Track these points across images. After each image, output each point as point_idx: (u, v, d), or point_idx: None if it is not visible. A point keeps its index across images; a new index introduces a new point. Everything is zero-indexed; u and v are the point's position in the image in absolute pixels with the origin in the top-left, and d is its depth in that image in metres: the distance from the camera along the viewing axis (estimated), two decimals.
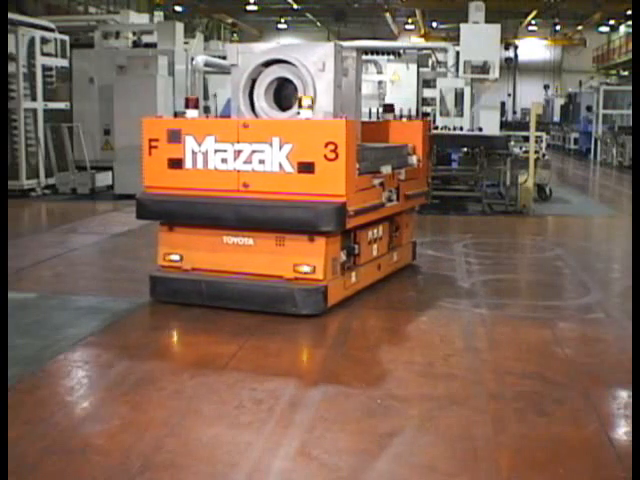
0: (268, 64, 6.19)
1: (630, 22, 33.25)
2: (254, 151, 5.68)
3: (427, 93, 17.43)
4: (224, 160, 5.77)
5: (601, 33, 41.05)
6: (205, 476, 3.29)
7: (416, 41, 35.14)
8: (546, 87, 43.37)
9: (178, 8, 34.53)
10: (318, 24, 42.07)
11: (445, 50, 16.25)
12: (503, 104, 30.66)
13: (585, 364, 4.82)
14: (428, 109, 16.89)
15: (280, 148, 5.60)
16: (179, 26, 14.94)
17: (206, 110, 14.70)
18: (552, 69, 47.80)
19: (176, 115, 10.26)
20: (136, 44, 15.15)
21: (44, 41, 13.48)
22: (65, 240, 9.17)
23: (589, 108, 26.79)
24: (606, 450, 3.56)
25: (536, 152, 11.88)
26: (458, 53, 14.31)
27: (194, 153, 5.84)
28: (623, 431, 3.78)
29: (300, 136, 5.60)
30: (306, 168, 5.55)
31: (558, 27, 39.63)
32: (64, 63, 14.04)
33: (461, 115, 14.39)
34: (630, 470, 3.14)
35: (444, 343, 5.22)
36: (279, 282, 5.68)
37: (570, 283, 7.34)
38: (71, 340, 5.10)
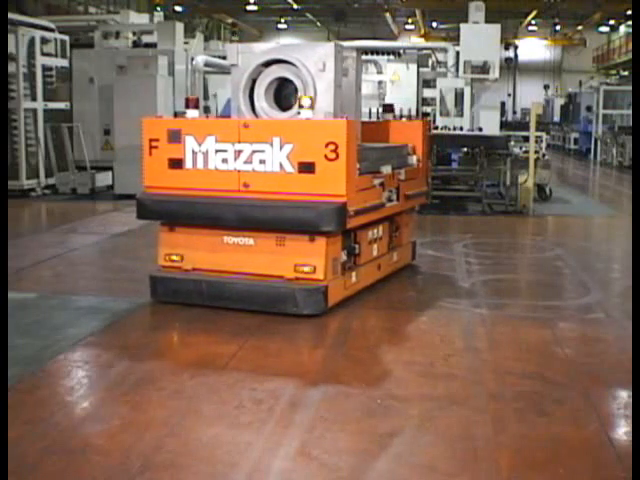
0: (268, 64, 6.19)
1: (630, 22, 33.25)
2: (255, 151, 5.68)
3: (427, 93, 17.43)
4: (225, 160, 5.77)
5: (601, 33, 41.04)
6: (205, 476, 3.30)
7: (416, 41, 35.14)
8: (546, 87, 43.36)
9: (178, 8, 34.52)
10: (318, 24, 42.07)
11: (445, 50, 16.26)
12: (503, 104, 30.65)
13: (585, 364, 4.82)
14: (428, 109, 16.89)
15: (281, 148, 5.60)
16: (179, 26, 14.94)
17: (206, 110, 14.71)
18: (552, 69, 47.80)
19: (176, 115, 10.26)
20: (136, 44, 15.15)
21: (44, 41, 13.48)
22: (65, 240, 9.17)
23: (589, 108, 26.78)
24: (606, 450, 3.56)
25: (536, 152, 11.88)
26: (458, 53, 14.32)
27: (194, 153, 5.84)
28: (623, 431, 3.78)
29: (301, 136, 5.60)
30: (307, 168, 5.55)
31: (558, 27, 39.61)
32: (64, 63, 14.04)
33: (461, 115, 14.39)
34: (630, 470, 3.14)
35: (444, 343, 5.22)
36: (280, 282, 5.68)
37: (570, 283, 7.34)
38: (71, 340, 5.10)
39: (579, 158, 27.08)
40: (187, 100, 6.23)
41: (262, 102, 6.20)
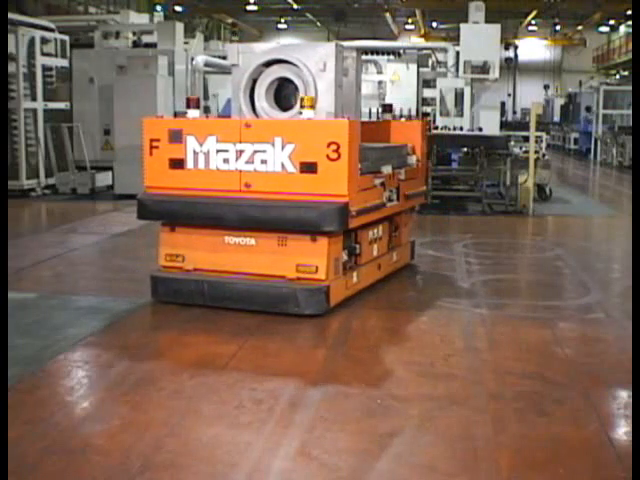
0: (269, 64, 6.19)
1: (630, 22, 33.25)
2: (256, 151, 5.68)
3: (427, 93, 17.43)
4: (226, 160, 5.77)
5: (601, 33, 41.05)
6: (205, 476, 3.30)
7: (416, 41, 35.14)
8: (546, 87, 43.37)
9: (178, 8, 34.52)
10: (318, 24, 42.07)
11: (445, 50, 16.26)
12: (503, 104, 30.65)
13: (585, 364, 4.82)
14: (428, 109, 16.90)
15: (282, 148, 5.60)
16: (179, 26, 14.94)
17: (206, 110, 14.70)
18: (552, 69, 47.80)
19: (176, 115, 10.26)
20: (136, 44, 15.15)
21: (44, 41, 13.48)
22: (65, 240, 9.17)
23: (588, 109, 26.79)
24: (606, 450, 3.56)
25: (536, 152, 11.88)
26: (458, 53, 14.33)
27: (195, 153, 5.84)
28: (623, 431, 3.78)
29: (302, 136, 5.60)
30: (308, 168, 5.55)
31: (558, 27, 39.63)
32: (64, 63, 14.04)
33: (461, 115, 14.39)
34: (630, 470, 3.14)
35: (444, 343, 5.22)
36: (281, 282, 5.67)
37: (570, 283, 7.34)
38: (71, 340, 5.10)
39: (579, 158, 27.09)
40: (188, 100, 6.23)
41: (263, 102, 6.20)
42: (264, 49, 6.35)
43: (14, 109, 12.77)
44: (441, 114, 14.71)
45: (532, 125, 11.77)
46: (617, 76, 38.08)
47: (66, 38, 14.19)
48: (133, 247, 8.69)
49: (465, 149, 12.29)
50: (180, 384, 4.32)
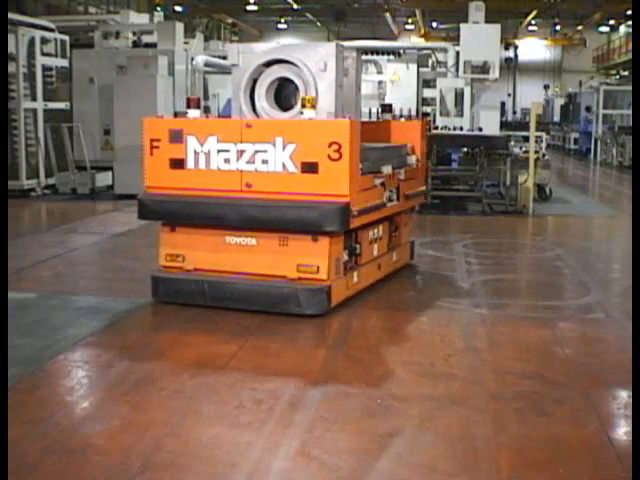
0: (269, 64, 6.19)
1: (630, 22, 33.25)
2: (257, 151, 5.67)
3: (427, 93, 17.44)
4: (227, 160, 5.76)
5: (601, 33, 41.05)
6: (205, 476, 3.30)
7: (416, 41, 35.14)
8: (546, 87, 43.38)
9: (178, 8, 34.52)
10: (318, 24, 42.07)
11: (445, 50, 16.27)
12: (503, 104, 30.66)
13: (585, 364, 4.82)
14: (428, 109, 16.90)
15: (283, 148, 5.60)
16: (179, 26, 14.94)
17: (206, 110, 14.71)
18: (552, 69, 47.81)
19: (176, 115, 10.26)
20: (136, 44, 15.15)
21: (44, 41, 13.48)
22: (65, 240, 9.17)
23: (588, 109, 26.79)
24: (606, 450, 3.56)
25: (536, 152, 11.88)
26: (458, 53, 14.33)
27: (196, 153, 5.84)
28: (623, 431, 3.78)
29: (304, 136, 5.59)
30: (310, 168, 5.55)
31: (558, 27, 39.62)
32: (64, 63, 14.04)
33: (461, 115, 14.40)
34: (630, 470, 3.14)
35: (444, 343, 5.22)
36: (282, 282, 5.67)
37: (570, 283, 7.34)
38: (71, 340, 5.10)
39: (579, 158, 27.09)
40: (188, 100, 6.23)
41: (263, 102, 6.20)
42: (264, 49, 6.35)
43: (14, 109, 12.77)
44: (441, 114, 14.71)
45: (532, 125, 11.77)
46: (617, 76, 38.07)
47: (66, 38, 14.19)
48: (133, 247, 8.68)
49: (465, 149, 12.29)
50: (180, 384, 4.32)
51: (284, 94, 6.27)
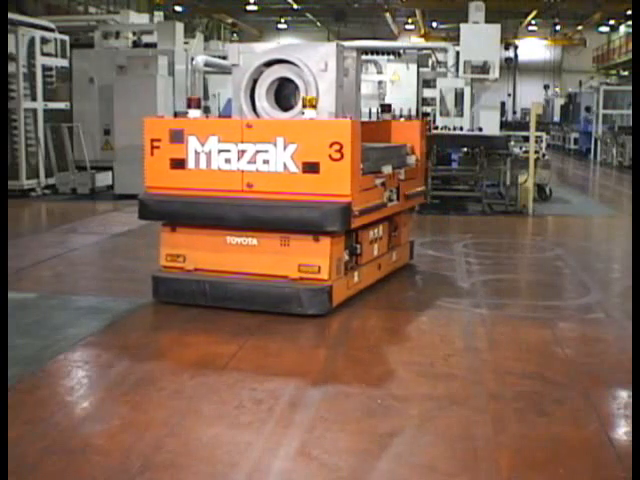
0: (270, 64, 6.19)
1: (630, 22, 33.24)
2: (258, 151, 5.67)
3: (427, 93, 17.44)
4: (228, 160, 5.76)
5: (601, 33, 41.04)
6: (205, 476, 3.30)
7: (416, 41, 35.14)
8: (546, 87, 43.36)
9: (178, 8, 34.52)
10: (318, 24, 42.07)
11: (445, 50, 16.27)
12: (503, 104, 30.65)
13: (585, 364, 4.82)
14: (428, 109, 16.91)
15: (284, 148, 5.60)
16: (179, 26, 14.94)
17: (206, 110, 14.70)
18: (552, 69, 47.79)
19: (176, 115, 10.26)
20: (136, 44, 15.15)
21: (44, 41, 13.48)
22: (65, 240, 9.17)
23: (588, 109, 26.79)
24: (606, 450, 3.56)
25: (536, 152, 11.89)
26: (458, 53, 14.33)
27: (197, 153, 5.84)
28: (623, 431, 3.78)
29: (305, 136, 5.59)
30: (311, 168, 5.55)
31: (558, 27, 39.61)
32: (64, 63, 14.04)
33: (461, 115, 14.40)
34: (630, 470, 3.14)
35: (444, 343, 5.22)
36: (284, 282, 5.67)
37: (570, 283, 7.34)
38: (71, 340, 5.10)
39: (579, 158, 27.09)
40: (189, 100, 6.23)
41: (263, 102, 6.20)
42: (264, 49, 6.35)
43: (14, 109, 12.77)
44: (441, 114, 14.71)
45: (532, 125, 11.77)
46: (617, 76, 38.07)
47: (66, 38, 14.19)
48: (133, 247, 8.68)
49: (465, 149, 12.29)
50: (180, 384, 4.32)
51: (284, 94, 6.27)
